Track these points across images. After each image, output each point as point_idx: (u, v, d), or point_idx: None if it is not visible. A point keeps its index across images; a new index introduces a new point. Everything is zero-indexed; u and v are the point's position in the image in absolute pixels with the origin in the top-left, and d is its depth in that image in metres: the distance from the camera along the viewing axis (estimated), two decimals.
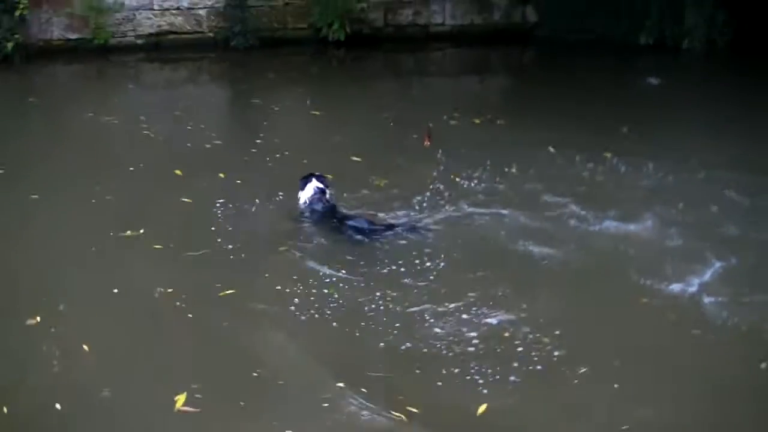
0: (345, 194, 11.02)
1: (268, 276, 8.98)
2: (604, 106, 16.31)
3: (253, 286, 8.85)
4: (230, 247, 9.59)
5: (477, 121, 15.22)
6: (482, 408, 6.90)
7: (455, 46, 23.00)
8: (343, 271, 9.13)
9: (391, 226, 9.96)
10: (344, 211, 10.32)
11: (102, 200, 11.03)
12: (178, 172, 11.95)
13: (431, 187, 11.35)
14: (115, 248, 9.69)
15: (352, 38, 21.83)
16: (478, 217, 10.46)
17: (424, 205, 10.83)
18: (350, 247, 9.65)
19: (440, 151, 12.82)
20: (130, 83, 19.41)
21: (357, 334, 7.98)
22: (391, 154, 12.84)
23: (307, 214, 10.28)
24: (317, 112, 15.88)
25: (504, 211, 10.64)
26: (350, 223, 9.92)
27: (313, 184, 10.30)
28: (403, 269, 9.22)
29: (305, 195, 10.35)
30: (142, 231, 10.01)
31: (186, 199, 10.83)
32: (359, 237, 9.75)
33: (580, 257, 9.48)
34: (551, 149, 12.95)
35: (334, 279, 8.98)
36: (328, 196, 10.28)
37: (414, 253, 9.47)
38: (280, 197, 11.01)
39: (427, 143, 13.26)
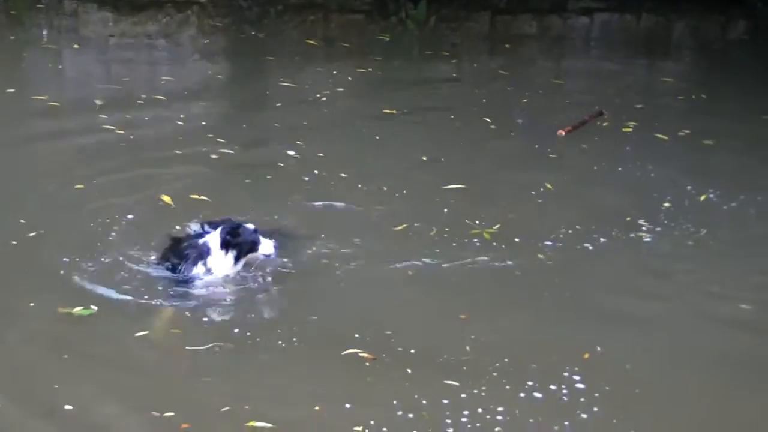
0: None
1: None
2: None
3: None
4: None
5: (659, 136, 11.39)
6: None
7: (612, 8, 18.49)
8: None
9: None
10: None
11: (32, 248, 8.03)
12: (166, 198, 8.96)
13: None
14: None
15: None
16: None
17: None
18: None
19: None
20: (71, 39, 15.25)
21: None
22: (504, 186, 9.89)
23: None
24: (392, 111, 11.92)
25: None
26: None
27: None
28: None
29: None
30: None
31: None
32: None
33: None
34: None
35: None
36: None
37: None
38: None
39: (562, 133, 11.18)
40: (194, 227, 7.91)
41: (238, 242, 7.47)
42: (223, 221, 7.70)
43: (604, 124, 11.61)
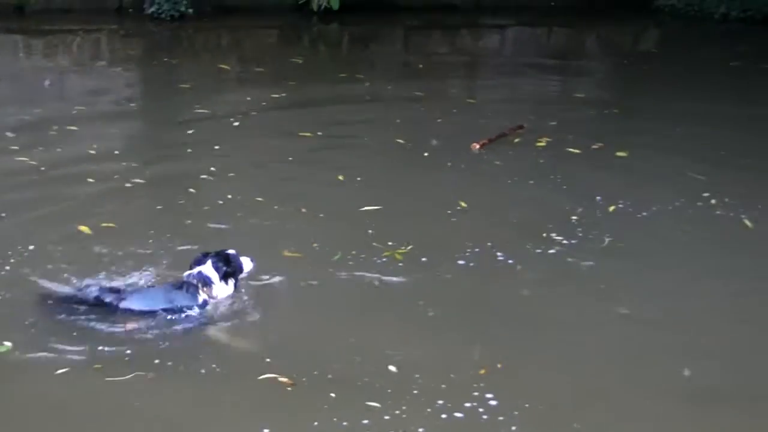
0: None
1: None
2: None
3: None
4: None
5: (571, 150, 11.50)
6: None
7: (524, 22, 19.23)
8: None
9: None
10: None
11: None
12: (83, 228, 8.83)
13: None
14: None
15: (350, 5, 18.39)
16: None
17: None
18: None
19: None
20: None
21: None
22: (413, 205, 9.86)
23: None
24: (306, 133, 11.90)
25: None
26: None
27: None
28: None
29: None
30: None
31: None
32: None
33: None
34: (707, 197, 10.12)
35: None
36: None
37: None
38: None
39: (476, 146, 11.29)
40: (92, 287, 7.64)
41: (233, 270, 7.77)
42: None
43: (516, 140, 11.66)
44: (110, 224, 8.82)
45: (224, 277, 7.69)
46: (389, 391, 6.46)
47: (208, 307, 7.56)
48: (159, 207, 9.37)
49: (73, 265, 7.92)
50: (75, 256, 8.15)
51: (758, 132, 12.41)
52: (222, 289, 7.73)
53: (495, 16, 19.29)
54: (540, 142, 11.56)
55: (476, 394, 6.42)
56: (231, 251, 7.90)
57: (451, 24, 18.80)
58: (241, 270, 7.86)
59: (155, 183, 10.09)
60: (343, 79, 14.86)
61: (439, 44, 18.09)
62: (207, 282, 7.65)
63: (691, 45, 18.34)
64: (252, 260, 7.96)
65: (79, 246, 8.40)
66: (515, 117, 12.50)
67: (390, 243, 8.62)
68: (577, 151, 11.33)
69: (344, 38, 18.08)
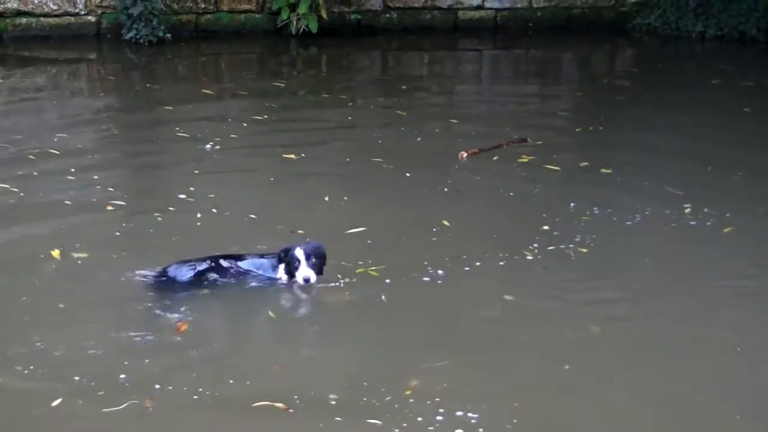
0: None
1: None
2: None
3: None
4: None
5: (553, 167, 11.50)
6: None
7: (501, 44, 19.33)
8: None
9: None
10: None
11: None
12: (54, 253, 8.80)
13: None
14: None
15: (328, 29, 18.22)
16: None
17: None
18: None
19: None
20: None
21: None
22: (398, 225, 9.82)
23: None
24: (291, 155, 11.83)
25: None
26: None
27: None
28: None
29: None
30: None
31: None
32: None
33: None
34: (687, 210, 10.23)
35: None
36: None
37: None
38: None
39: (464, 155, 11.68)
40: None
41: (320, 257, 8.48)
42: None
43: (495, 158, 11.63)
44: (85, 251, 8.77)
45: (309, 260, 8.35)
46: (387, 407, 6.45)
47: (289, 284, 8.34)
48: (139, 229, 9.32)
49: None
50: (54, 280, 8.18)
51: (741, 147, 12.36)
52: (309, 273, 8.37)
53: (473, 38, 19.27)
54: (523, 158, 11.55)
55: (466, 408, 6.44)
56: (316, 243, 8.60)
57: (430, 46, 18.81)
58: (324, 261, 8.56)
59: (135, 205, 9.99)
60: (324, 100, 14.78)
61: (418, 65, 18.06)
62: (297, 263, 8.39)
63: (669, 63, 18.30)
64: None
65: (58, 270, 8.39)
66: (498, 136, 12.46)
67: (361, 262, 8.65)
68: (561, 168, 11.33)
69: (324, 60, 17.99)
